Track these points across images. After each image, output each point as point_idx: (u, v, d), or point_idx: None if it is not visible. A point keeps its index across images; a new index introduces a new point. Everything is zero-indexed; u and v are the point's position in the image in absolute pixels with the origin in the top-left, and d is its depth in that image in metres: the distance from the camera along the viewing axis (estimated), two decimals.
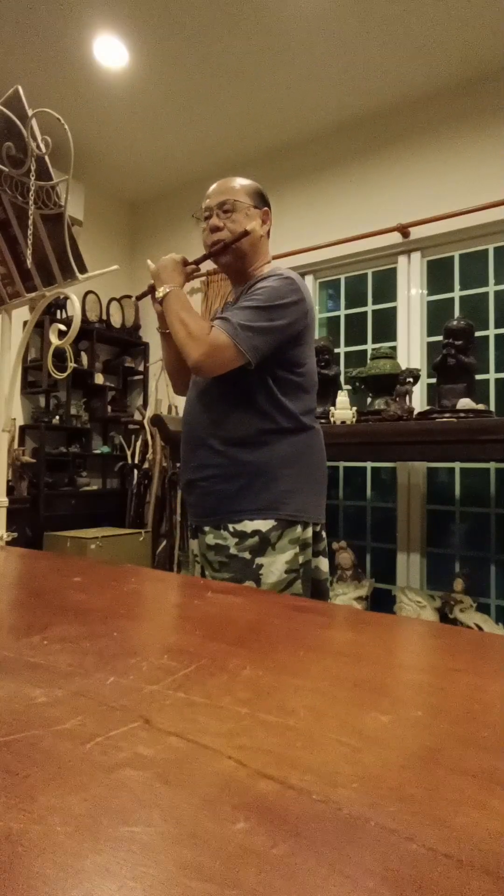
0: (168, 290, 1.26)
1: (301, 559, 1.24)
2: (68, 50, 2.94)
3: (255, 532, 1.21)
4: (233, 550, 1.22)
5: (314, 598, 1.28)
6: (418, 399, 3.02)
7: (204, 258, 1.32)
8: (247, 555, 1.21)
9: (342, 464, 3.50)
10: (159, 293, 1.28)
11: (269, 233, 1.37)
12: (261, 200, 1.33)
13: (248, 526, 1.22)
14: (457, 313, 3.15)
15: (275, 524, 1.22)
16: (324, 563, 1.33)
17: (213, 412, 1.27)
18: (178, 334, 1.22)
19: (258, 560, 1.20)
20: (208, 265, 1.57)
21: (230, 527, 1.23)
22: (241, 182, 1.32)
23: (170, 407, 4.06)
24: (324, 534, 1.33)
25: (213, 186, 1.33)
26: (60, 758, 0.32)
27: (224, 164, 3.89)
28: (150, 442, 3.99)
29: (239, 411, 1.25)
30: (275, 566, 1.20)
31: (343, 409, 2.65)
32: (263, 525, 1.21)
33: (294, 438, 1.27)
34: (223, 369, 1.20)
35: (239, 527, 1.22)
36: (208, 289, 3.88)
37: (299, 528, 1.24)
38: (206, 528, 1.27)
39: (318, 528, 1.30)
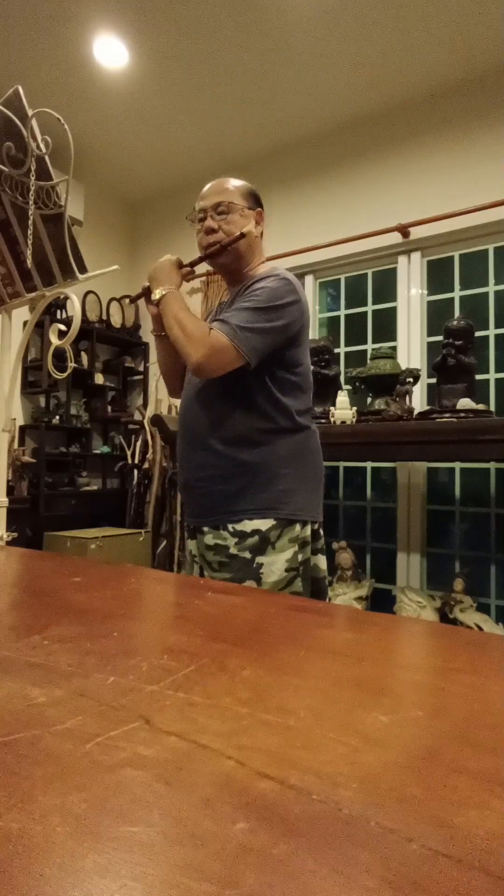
0: (165, 292, 1.25)
1: (300, 557, 1.23)
2: (68, 50, 2.94)
3: (255, 531, 1.21)
4: (233, 550, 1.21)
5: (313, 596, 1.28)
6: (418, 399, 3.02)
7: (200, 260, 1.31)
8: (247, 554, 1.20)
9: (342, 464, 3.49)
10: (156, 295, 1.27)
11: (262, 233, 1.36)
12: (254, 201, 1.33)
13: (248, 525, 1.21)
14: (457, 313, 3.15)
15: (274, 523, 1.21)
16: (322, 562, 1.32)
17: (212, 411, 1.26)
18: (177, 336, 1.20)
19: (259, 559, 1.20)
20: (204, 266, 1.56)
21: (230, 527, 1.22)
22: (234, 183, 1.31)
23: (170, 407, 4.06)
24: (322, 532, 1.33)
25: (207, 188, 1.32)
26: (60, 758, 0.32)
27: (224, 164, 3.89)
28: (150, 442, 3.99)
29: (238, 410, 1.24)
30: (275, 565, 1.20)
31: (343, 409, 2.65)
32: (263, 524, 1.21)
33: (292, 438, 1.27)
34: (223, 371, 1.19)
35: (239, 526, 1.22)
36: (208, 289, 3.88)
37: (298, 527, 1.23)
38: (205, 529, 1.27)
39: (316, 527, 1.30)
